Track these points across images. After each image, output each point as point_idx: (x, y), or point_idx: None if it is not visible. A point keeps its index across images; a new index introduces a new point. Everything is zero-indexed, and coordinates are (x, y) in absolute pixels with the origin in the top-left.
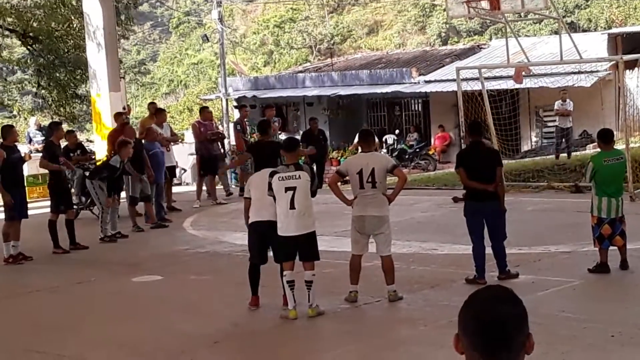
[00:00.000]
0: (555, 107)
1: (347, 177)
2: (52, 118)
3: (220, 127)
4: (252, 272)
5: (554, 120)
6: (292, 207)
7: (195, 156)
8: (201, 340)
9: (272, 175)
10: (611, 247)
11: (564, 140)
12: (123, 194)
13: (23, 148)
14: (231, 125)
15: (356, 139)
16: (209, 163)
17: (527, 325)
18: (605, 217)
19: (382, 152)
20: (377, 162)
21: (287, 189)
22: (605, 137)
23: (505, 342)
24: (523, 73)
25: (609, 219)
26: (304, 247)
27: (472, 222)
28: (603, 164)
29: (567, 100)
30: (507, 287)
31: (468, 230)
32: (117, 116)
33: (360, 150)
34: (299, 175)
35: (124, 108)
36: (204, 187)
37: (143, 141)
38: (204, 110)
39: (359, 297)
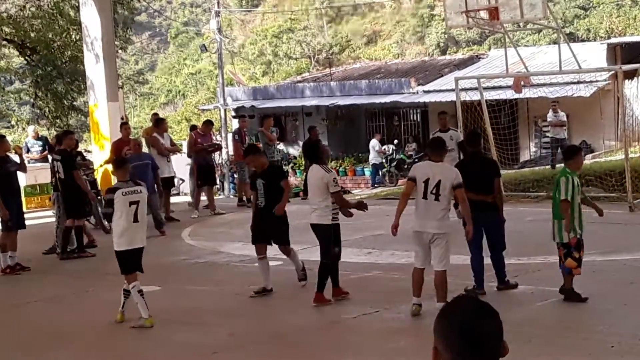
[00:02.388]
0: (548, 118)
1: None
2: (49, 129)
3: (219, 137)
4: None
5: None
6: (135, 220)
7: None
8: (199, 350)
9: (113, 191)
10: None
11: (559, 150)
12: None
13: (15, 158)
14: (229, 136)
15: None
16: (206, 173)
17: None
18: (581, 232)
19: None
20: (444, 175)
21: (131, 204)
22: (565, 153)
23: (491, 355)
24: (522, 83)
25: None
26: (139, 259)
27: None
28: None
29: (559, 111)
30: (478, 298)
31: (467, 240)
32: (121, 126)
33: (432, 159)
34: (140, 190)
35: (122, 118)
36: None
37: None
38: (207, 123)
39: (357, 307)
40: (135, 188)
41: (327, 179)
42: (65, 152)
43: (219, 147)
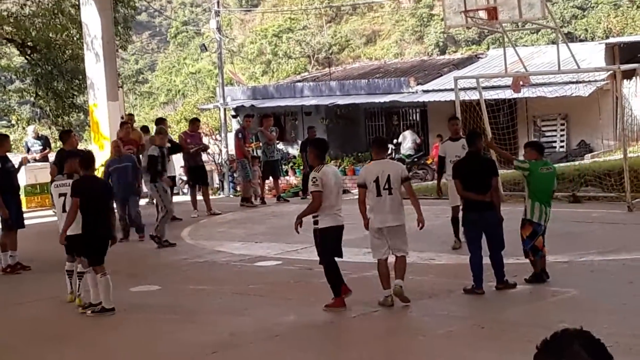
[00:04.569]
0: None
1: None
2: (49, 128)
3: (218, 137)
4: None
5: (552, 130)
6: (64, 210)
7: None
8: (199, 349)
9: (51, 182)
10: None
11: None
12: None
13: (17, 158)
14: (229, 135)
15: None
16: (195, 174)
17: None
18: (537, 221)
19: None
20: (392, 169)
21: (60, 195)
22: (539, 148)
23: None
24: (521, 83)
25: (541, 229)
26: (78, 245)
27: (470, 232)
28: (539, 171)
29: None
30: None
31: (466, 240)
32: (121, 126)
33: (373, 157)
34: (69, 184)
35: (122, 117)
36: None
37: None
38: (193, 121)
39: (356, 307)
40: (66, 181)
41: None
42: (60, 150)
43: (205, 148)
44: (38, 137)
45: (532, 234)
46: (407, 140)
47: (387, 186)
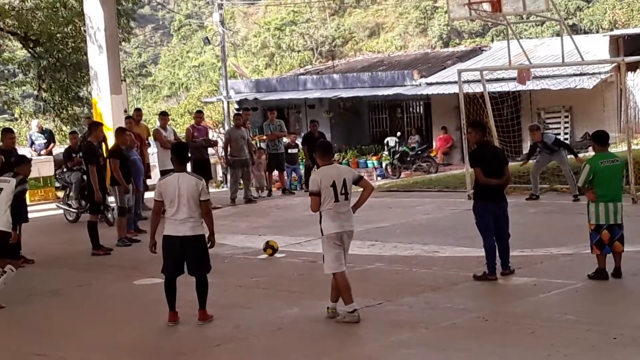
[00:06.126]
0: None
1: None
2: (53, 121)
3: (222, 130)
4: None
5: (556, 122)
6: None
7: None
8: (203, 342)
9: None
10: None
11: None
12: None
13: (24, 151)
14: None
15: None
16: (200, 167)
17: None
18: (603, 223)
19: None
20: (347, 173)
21: None
22: (600, 139)
23: None
24: (525, 75)
25: (606, 225)
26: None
27: (484, 220)
28: (600, 166)
29: None
30: None
31: (480, 228)
32: (125, 120)
33: (321, 163)
34: (9, 181)
35: (125, 111)
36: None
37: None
38: (198, 113)
39: (360, 299)
40: (6, 179)
41: (201, 186)
42: (88, 143)
43: (214, 143)
44: (42, 131)
45: (596, 228)
46: (415, 137)
47: (344, 191)
